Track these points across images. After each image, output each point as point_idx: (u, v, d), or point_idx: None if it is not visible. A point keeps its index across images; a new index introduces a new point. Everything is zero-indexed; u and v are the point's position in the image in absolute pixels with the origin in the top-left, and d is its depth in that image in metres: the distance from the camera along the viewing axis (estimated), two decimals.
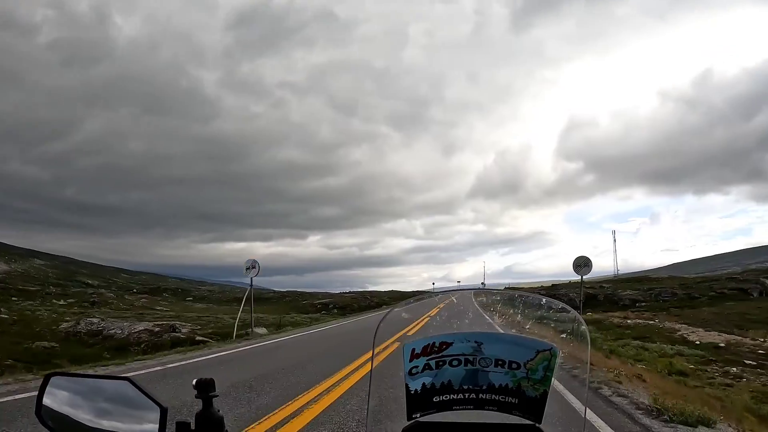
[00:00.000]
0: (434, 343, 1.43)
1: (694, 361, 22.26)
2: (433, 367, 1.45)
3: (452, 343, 1.44)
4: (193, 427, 1.37)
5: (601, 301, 67.81)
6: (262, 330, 24.72)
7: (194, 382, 1.41)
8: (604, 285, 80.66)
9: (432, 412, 1.47)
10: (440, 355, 1.44)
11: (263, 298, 68.91)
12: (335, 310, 55.64)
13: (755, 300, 58.75)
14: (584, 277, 21.88)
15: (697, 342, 29.06)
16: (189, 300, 71.64)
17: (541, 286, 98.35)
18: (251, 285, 23.72)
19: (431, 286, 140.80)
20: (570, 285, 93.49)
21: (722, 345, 27.73)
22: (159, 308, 52.22)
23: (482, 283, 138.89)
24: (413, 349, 1.43)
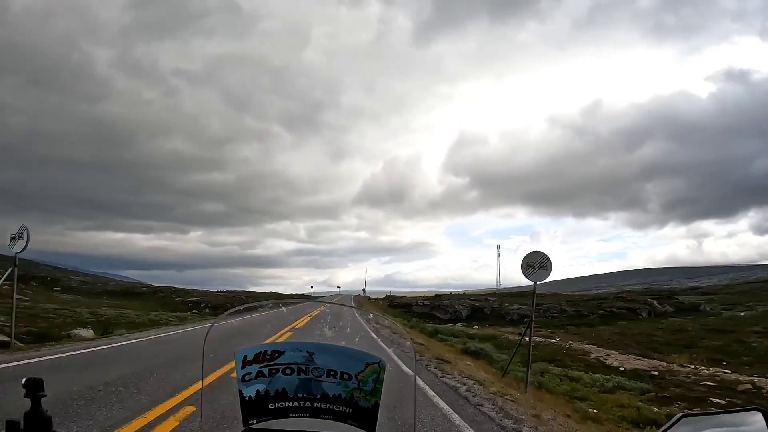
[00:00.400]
0: (266, 351, 1.50)
1: (647, 399, 15.19)
2: (267, 374, 1.51)
3: (284, 351, 1.51)
4: (22, 426, 1.36)
5: (487, 315, 62.58)
6: (87, 332, 19.37)
7: (23, 381, 1.41)
8: (489, 298, 76.10)
9: (268, 419, 1.52)
10: (273, 363, 1.50)
11: (135, 293, 66.21)
12: (207, 310, 51.64)
13: (645, 320, 56.28)
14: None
15: (621, 368, 22.48)
16: (57, 290, 64.63)
17: (424, 296, 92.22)
18: (16, 264, 14.57)
19: (309, 290, 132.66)
20: (454, 296, 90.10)
21: (655, 373, 21.24)
22: (18, 297, 41.36)
23: (363, 290, 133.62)
24: (245, 356, 1.51)
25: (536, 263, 11.29)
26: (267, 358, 1.49)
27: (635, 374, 20.86)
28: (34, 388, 1.39)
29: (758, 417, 1.30)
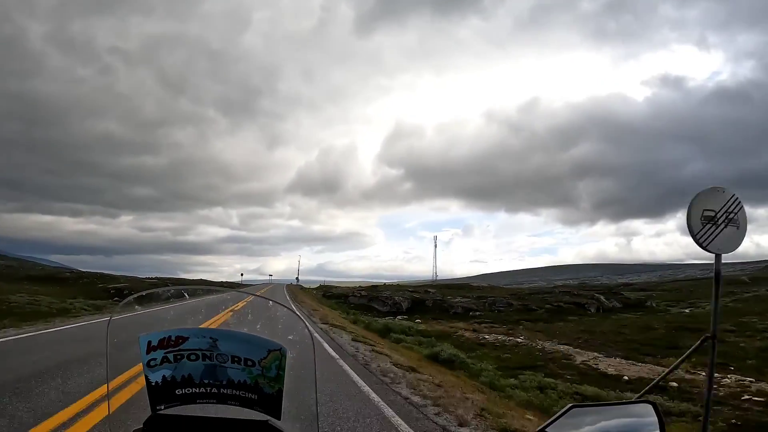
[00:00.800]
0: (170, 336, 1.45)
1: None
2: (172, 360, 1.46)
3: (188, 337, 1.45)
4: None
5: (429, 307, 57.37)
6: None
7: None
8: (429, 290, 71.19)
9: (176, 405, 1.48)
10: (177, 348, 1.45)
11: (58, 278, 61.05)
12: (130, 298, 42.35)
13: (594, 316, 52.91)
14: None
15: (625, 378, 17.55)
16: None
17: (360, 287, 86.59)
18: None
19: (239, 278, 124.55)
20: (390, 287, 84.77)
21: (674, 384, 16.34)
22: None
23: (296, 279, 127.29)
24: (149, 342, 1.44)
25: (720, 215, 5.20)
26: (171, 343, 1.45)
27: (644, 384, 15.92)
28: None
29: (649, 408, 1.37)
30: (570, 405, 1.40)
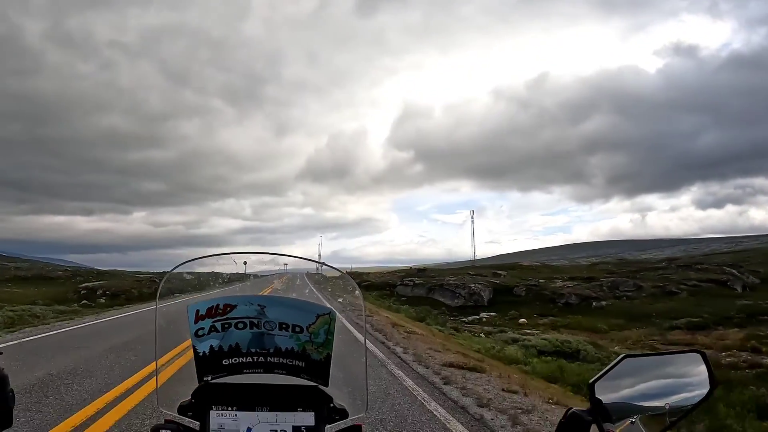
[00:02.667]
0: (218, 305, 1.44)
1: None
2: (219, 329, 1.45)
3: (236, 305, 1.45)
4: None
5: (522, 297, 42.33)
6: None
7: None
8: (499, 272, 55.77)
9: (222, 375, 1.47)
10: (225, 317, 1.45)
11: (47, 278, 57.23)
12: (103, 299, 38.73)
13: (746, 295, 38.54)
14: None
15: None
16: None
17: (396, 272, 71.73)
18: None
19: (243, 269, 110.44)
20: (434, 270, 68.76)
21: None
22: None
23: (319, 266, 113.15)
24: (197, 311, 1.44)
25: None
26: (219, 312, 1.45)
27: None
28: None
29: (697, 357, 1.38)
30: (623, 355, 1.36)
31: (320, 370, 1.48)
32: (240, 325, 1.45)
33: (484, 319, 35.98)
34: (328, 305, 1.49)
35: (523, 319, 34.88)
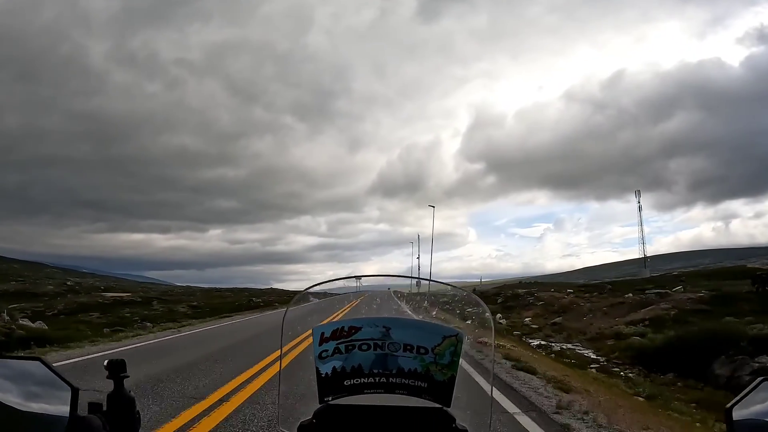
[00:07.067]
0: (343, 327, 1.47)
1: None
2: (343, 351, 1.47)
3: (361, 327, 1.47)
4: (105, 407, 1.36)
5: None
6: None
7: (105, 362, 1.42)
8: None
9: (343, 395, 1.49)
10: (349, 339, 1.47)
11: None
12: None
13: None
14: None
15: None
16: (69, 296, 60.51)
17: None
18: None
19: (355, 282, 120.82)
20: (561, 284, 65.03)
21: None
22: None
23: (416, 282, 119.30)
24: (323, 333, 1.46)
25: None
26: (344, 334, 1.47)
27: None
28: (117, 369, 1.42)
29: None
30: (761, 378, 1.24)
31: (443, 391, 1.48)
32: (363, 347, 1.47)
33: None
34: (455, 327, 1.50)
35: None
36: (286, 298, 55.09)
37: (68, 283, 70.34)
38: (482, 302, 1.65)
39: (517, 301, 45.37)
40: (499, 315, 36.43)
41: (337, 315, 1.88)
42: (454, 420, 1.47)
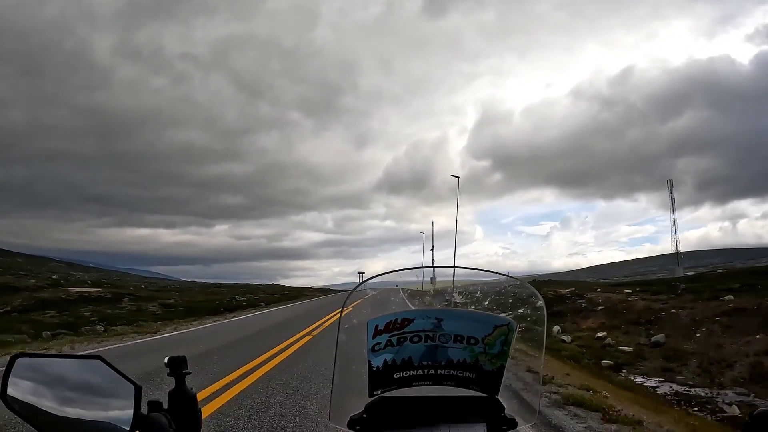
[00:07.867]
0: (397, 319, 1.44)
1: None
2: (395, 343, 1.46)
3: (414, 319, 1.45)
4: (165, 405, 1.36)
5: None
6: None
7: (166, 359, 1.41)
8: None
9: (393, 389, 1.49)
10: (402, 331, 1.45)
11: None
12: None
13: None
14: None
15: None
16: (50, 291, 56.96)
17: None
18: None
19: (358, 277, 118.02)
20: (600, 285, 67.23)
21: None
22: None
23: (431, 279, 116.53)
24: (376, 326, 1.44)
25: None
26: (397, 326, 1.45)
27: None
28: (178, 366, 1.41)
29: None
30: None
31: (492, 380, 1.48)
32: (415, 339, 1.46)
33: None
34: (507, 317, 1.46)
35: None
36: (277, 297, 53.25)
37: (54, 276, 66.50)
38: (538, 293, 1.50)
39: (564, 305, 31.20)
40: (557, 328, 25.32)
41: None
42: (503, 409, 1.48)
